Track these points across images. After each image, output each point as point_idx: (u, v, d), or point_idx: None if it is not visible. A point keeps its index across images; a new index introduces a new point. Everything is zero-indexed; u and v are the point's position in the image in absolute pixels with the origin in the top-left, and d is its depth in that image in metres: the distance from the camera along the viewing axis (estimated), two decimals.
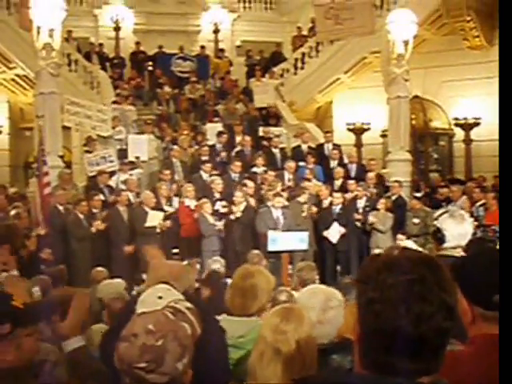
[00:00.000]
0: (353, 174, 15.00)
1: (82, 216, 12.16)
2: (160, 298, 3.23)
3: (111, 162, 14.73)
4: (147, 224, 12.08)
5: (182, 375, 2.15)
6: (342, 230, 12.83)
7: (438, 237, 4.47)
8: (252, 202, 12.80)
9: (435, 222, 4.71)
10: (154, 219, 12.17)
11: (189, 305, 2.66)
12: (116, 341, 2.14)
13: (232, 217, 12.34)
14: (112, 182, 14.07)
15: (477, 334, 2.27)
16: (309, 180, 13.78)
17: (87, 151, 15.18)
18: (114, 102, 17.69)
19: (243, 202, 12.50)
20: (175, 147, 15.22)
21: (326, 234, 12.90)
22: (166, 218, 12.37)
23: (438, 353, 1.63)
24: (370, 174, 14.09)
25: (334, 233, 12.85)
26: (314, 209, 12.97)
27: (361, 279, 1.70)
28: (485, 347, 2.22)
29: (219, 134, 16.07)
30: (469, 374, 2.17)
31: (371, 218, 12.59)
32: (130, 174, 14.17)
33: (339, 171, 14.44)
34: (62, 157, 14.69)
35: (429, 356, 1.61)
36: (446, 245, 4.34)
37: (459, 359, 2.21)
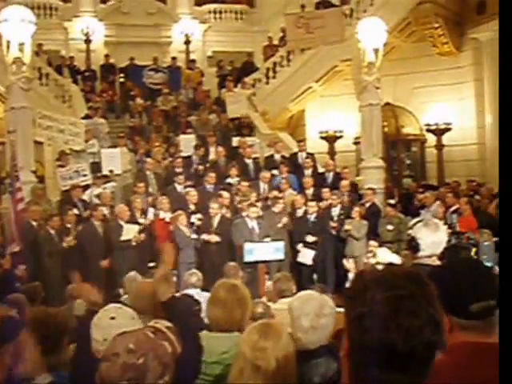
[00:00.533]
0: (329, 180, 15.05)
1: (53, 231, 12.08)
2: (112, 318, 3.22)
3: (84, 175, 14.62)
4: (122, 238, 12.03)
5: None
6: (311, 252, 12.83)
7: (413, 245, 4.51)
8: (227, 213, 12.80)
9: (410, 231, 4.75)
10: (129, 233, 12.10)
11: (168, 324, 2.67)
12: (85, 359, 2.14)
13: (206, 237, 12.31)
14: (86, 196, 13.99)
15: (454, 343, 2.30)
16: (281, 190, 13.79)
17: (60, 165, 15.07)
18: (86, 116, 17.59)
19: (218, 214, 12.51)
20: (148, 159, 15.17)
21: (300, 259, 12.87)
22: (141, 231, 12.32)
23: (427, 366, 1.67)
24: (344, 182, 14.13)
25: (307, 255, 12.84)
26: (285, 219, 12.94)
27: (349, 295, 1.73)
28: (462, 355, 2.25)
29: (196, 146, 16.06)
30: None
31: (346, 226, 12.64)
32: (104, 188, 14.09)
33: (308, 181, 14.43)
34: (34, 172, 14.58)
35: (418, 369, 1.65)
36: (420, 254, 4.39)
37: (437, 368, 2.23)
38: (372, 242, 11.23)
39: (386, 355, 1.61)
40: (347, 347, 1.71)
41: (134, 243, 12.09)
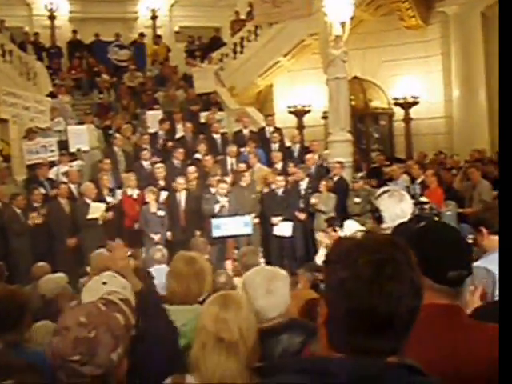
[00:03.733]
0: (296, 154, 15.08)
1: (18, 210, 11.95)
2: (104, 283, 3.22)
3: (52, 151, 14.39)
4: (89, 216, 11.92)
5: (116, 366, 2.15)
6: (290, 224, 12.84)
7: (376, 216, 4.48)
8: (194, 188, 12.76)
9: (375, 202, 4.71)
10: (96, 211, 12.00)
11: (122, 296, 2.63)
12: None
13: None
14: (52, 175, 13.83)
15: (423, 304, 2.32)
16: (249, 165, 13.72)
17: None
18: (51, 94, 17.33)
19: (184, 190, 12.45)
20: (118, 136, 15.05)
21: (276, 232, 12.85)
22: (108, 209, 12.21)
23: (406, 331, 1.66)
24: (309, 155, 14.15)
25: (285, 228, 12.80)
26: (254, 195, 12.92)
27: (330, 260, 1.71)
28: (431, 315, 2.26)
29: (161, 121, 15.95)
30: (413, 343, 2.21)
31: (313, 200, 12.65)
32: (70, 166, 13.94)
33: (277, 155, 14.41)
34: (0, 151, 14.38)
35: (398, 334, 1.64)
36: (384, 225, 4.35)
37: None
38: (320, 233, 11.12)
39: (367, 320, 1.59)
40: (325, 314, 1.68)
41: (100, 222, 12.00)
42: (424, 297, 2.28)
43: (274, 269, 3.58)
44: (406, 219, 4.32)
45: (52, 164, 14.22)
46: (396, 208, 4.42)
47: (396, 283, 1.60)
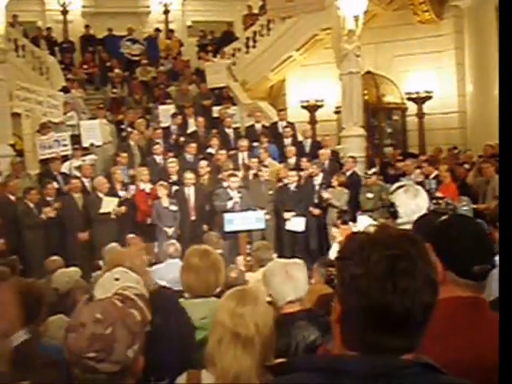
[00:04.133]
0: (307, 149, 15.04)
1: (32, 205, 11.98)
2: (117, 279, 3.21)
3: (65, 145, 14.43)
4: (101, 210, 11.94)
5: (133, 362, 2.13)
6: (302, 220, 12.83)
7: (391, 211, 4.44)
8: (205, 182, 12.75)
9: (390, 197, 4.66)
10: (109, 205, 12.02)
11: (138, 291, 2.63)
12: None
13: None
14: (65, 169, 13.86)
15: (445, 298, 2.30)
16: (260, 160, 13.70)
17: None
18: (64, 88, 17.36)
19: (192, 185, 12.45)
20: (134, 131, 15.09)
21: (289, 227, 12.84)
22: (120, 204, 12.22)
23: (421, 328, 1.62)
24: (322, 150, 14.11)
25: (298, 223, 12.80)
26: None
27: (343, 256, 1.67)
28: (456, 308, 2.26)
29: (173, 115, 15.96)
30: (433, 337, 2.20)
31: (326, 195, 12.62)
32: (83, 160, 13.97)
33: (291, 150, 14.41)
34: (13, 145, 14.41)
35: (413, 332, 1.60)
36: (399, 221, 4.32)
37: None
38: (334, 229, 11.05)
39: (382, 318, 1.56)
40: (339, 311, 1.65)
41: (113, 216, 12.02)
42: (448, 290, 2.27)
43: (289, 260, 3.75)
44: (421, 214, 4.28)
45: (65, 158, 14.26)
46: (411, 203, 4.38)
47: (411, 279, 1.56)
